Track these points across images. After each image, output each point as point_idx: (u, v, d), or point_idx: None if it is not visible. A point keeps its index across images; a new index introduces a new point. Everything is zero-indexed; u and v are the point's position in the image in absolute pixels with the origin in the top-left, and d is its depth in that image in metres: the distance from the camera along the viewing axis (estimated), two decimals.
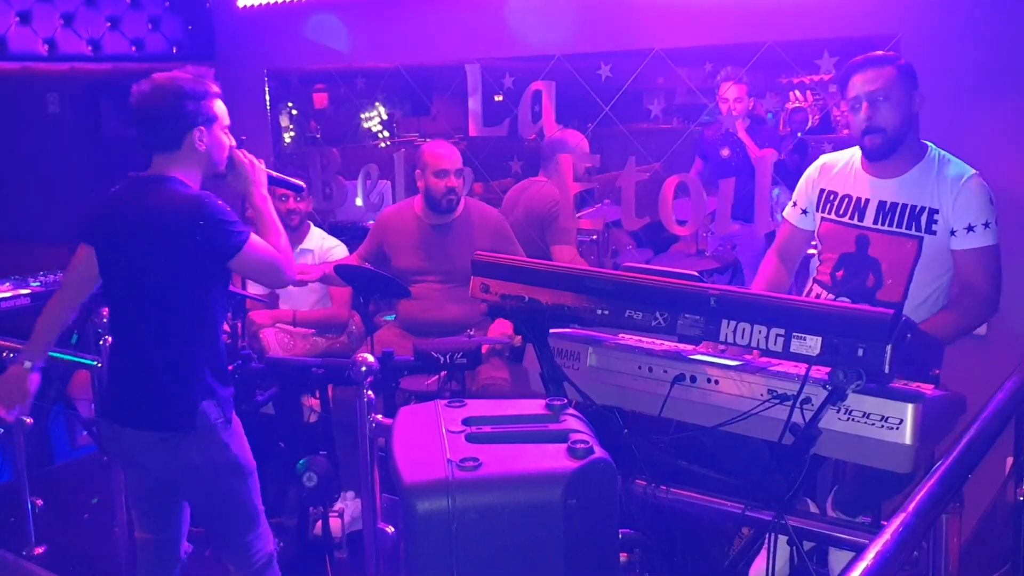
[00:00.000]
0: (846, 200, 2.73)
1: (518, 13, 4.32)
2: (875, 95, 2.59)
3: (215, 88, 2.52)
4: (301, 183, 3.12)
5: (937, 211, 2.59)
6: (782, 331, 1.71)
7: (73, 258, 2.61)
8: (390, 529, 2.65)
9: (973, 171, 2.61)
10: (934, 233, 2.59)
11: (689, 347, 2.04)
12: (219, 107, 2.53)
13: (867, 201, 2.69)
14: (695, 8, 3.87)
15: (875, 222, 2.66)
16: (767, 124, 3.89)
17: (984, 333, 3.22)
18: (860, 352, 1.64)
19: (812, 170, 2.87)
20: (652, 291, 1.89)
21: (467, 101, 4.57)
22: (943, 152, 2.67)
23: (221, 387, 2.46)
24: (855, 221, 2.70)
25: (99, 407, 2.55)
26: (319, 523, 3.31)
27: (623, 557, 1.98)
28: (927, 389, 1.79)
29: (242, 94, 4.94)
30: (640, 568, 2.05)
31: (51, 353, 2.65)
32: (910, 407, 1.68)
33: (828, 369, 1.70)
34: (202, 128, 2.46)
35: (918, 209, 2.61)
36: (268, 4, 5.13)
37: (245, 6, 5.20)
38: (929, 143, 2.69)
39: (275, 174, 2.80)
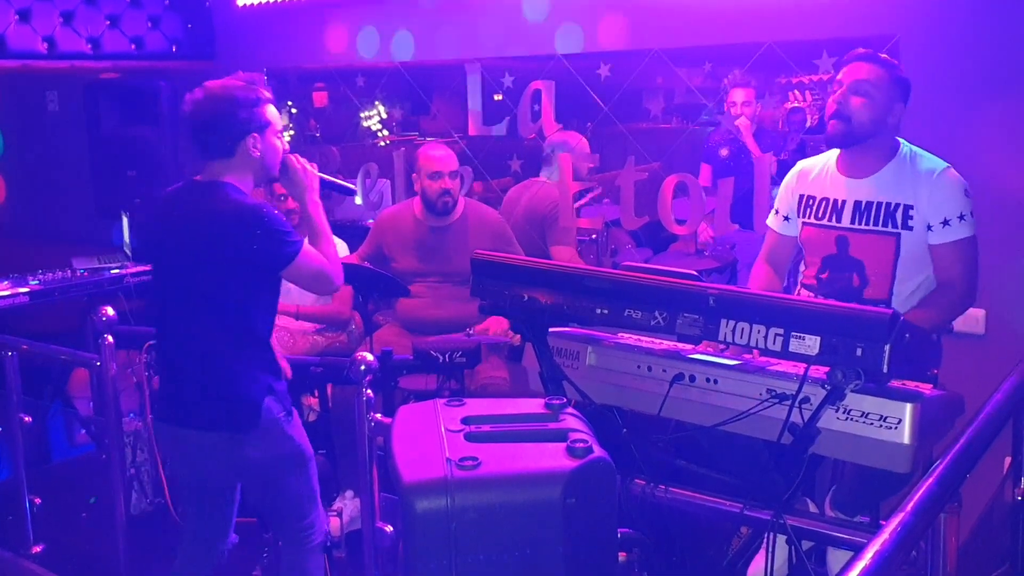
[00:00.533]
0: (824, 203, 2.75)
1: (518, 13, 4.33)
2: (857, 86, 2.61)
3: (267, 94, 2.52)
4: (353, 187, 3.11)
5: (912, 207, 2.60)
6: (781, 331, 1.71)
7: None
8: (389, 528, 2.65)
9: (946, 164, 2.63)
10: (911, 229, 2.60)
11: (688, 346, 2.04)
12: (271, 112, 2.53)
13: (843, 202, 2.70)
14: (694, 8, 3.87)
15: (852, 222, 2.68)
16: (770, 129, 3.88)
17: (983, 332, 3.23)
18: (859, 352, 1.64)
19: (790, 177, 2.89)
20: (651, 290, 1.89)
21: (467, 100, 4.57)
22: (914, 148, 2.69)
23: (276, 382, 2.51)
24: (833, 223, 2.72)
25: (154, 411, 2.59)
26: None
27: (622, 556, 1.98)
28: (925, 389, 1.80)
29: None
30: (639, 567, 2.05)
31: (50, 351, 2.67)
32: (908, 407, 1.68)
33: (827, 369, 1.70)
34: (256, 135, 2.47)
35: (893, 206, 2.62)
36: (268, 3, 5.12)
37: (245, 5, 5.19)
38: (901, 140, 2.70)
39: (327, 177, 2.79)
